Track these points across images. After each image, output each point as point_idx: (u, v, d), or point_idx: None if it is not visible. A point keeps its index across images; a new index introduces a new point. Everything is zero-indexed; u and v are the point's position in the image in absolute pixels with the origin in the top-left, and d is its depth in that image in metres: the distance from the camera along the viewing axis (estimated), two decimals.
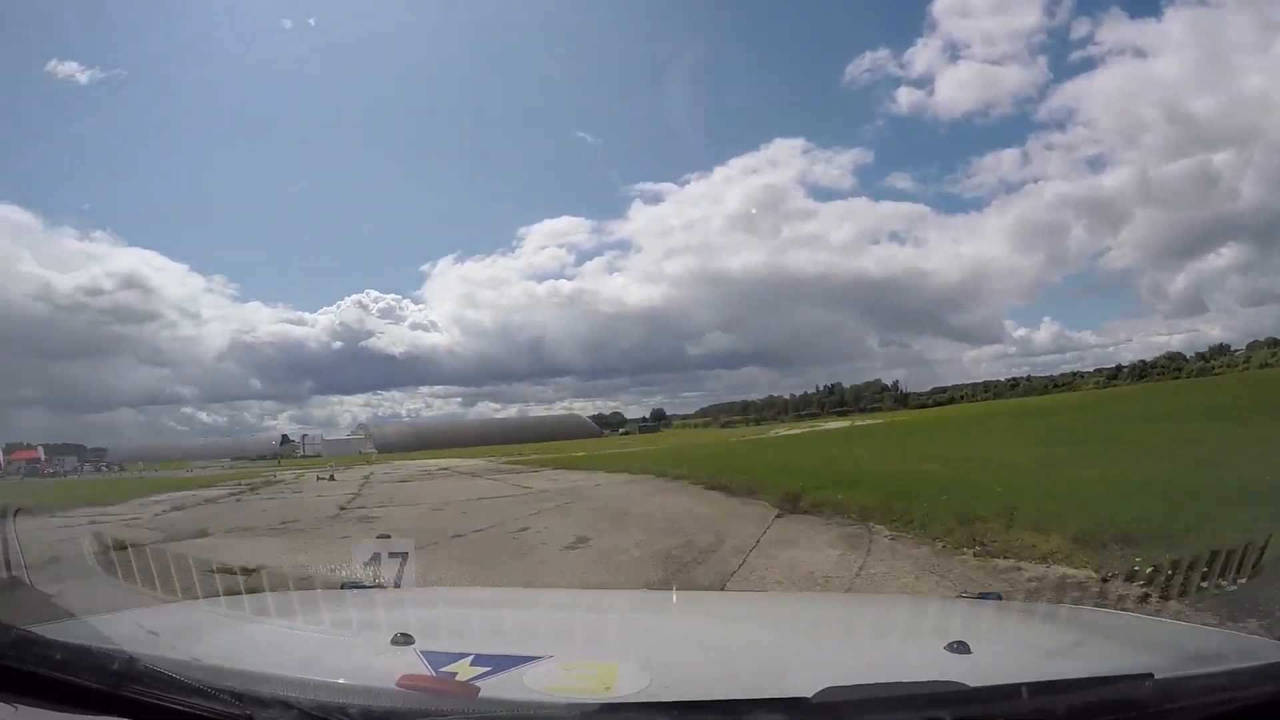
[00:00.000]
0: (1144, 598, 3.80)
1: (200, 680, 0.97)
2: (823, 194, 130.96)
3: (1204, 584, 3.34)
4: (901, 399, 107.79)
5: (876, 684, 0.91)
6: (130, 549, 5.48)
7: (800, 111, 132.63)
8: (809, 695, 0.88)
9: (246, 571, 5.00)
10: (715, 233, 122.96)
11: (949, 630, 1.40)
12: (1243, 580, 3.24)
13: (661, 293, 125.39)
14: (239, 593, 3.36)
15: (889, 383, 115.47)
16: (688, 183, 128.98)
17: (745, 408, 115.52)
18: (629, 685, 1.08)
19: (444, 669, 1.13)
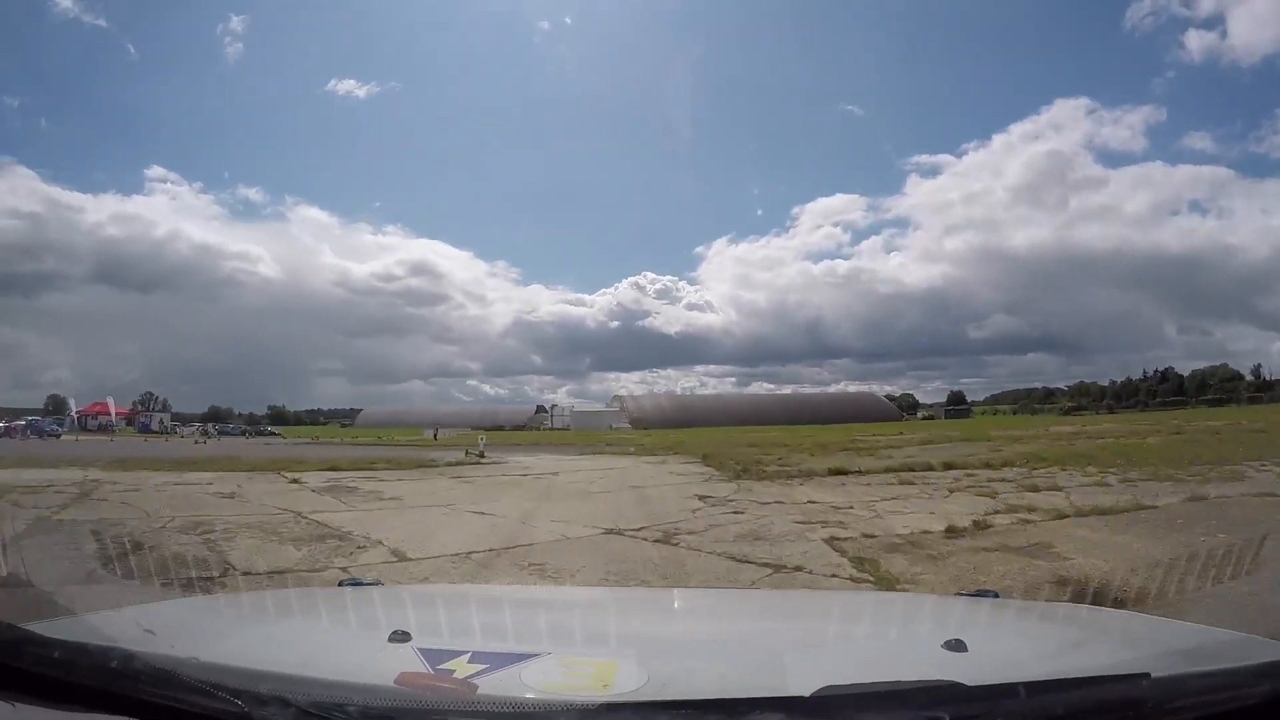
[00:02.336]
0: None
1: (198, 678, 0.97)
2: (1112, 159, 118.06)
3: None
4: (1265, 386, 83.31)
5: (874, 682, 0.91)
6: None
7: (1080, 66, 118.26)
8: (807, 694, 0.89)
9: None
10: (997, 206, 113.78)
11: (946, 628, 1.40)
12: None
13: (941, 272, 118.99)
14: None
15: (1241, 368, 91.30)
16: (965, 153, 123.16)
17: (1048, 395, 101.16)
18: (627, 683, 1.08)
19: (442, 666, 1.13)
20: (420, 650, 1.20)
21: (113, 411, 49.05)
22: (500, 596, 2.66)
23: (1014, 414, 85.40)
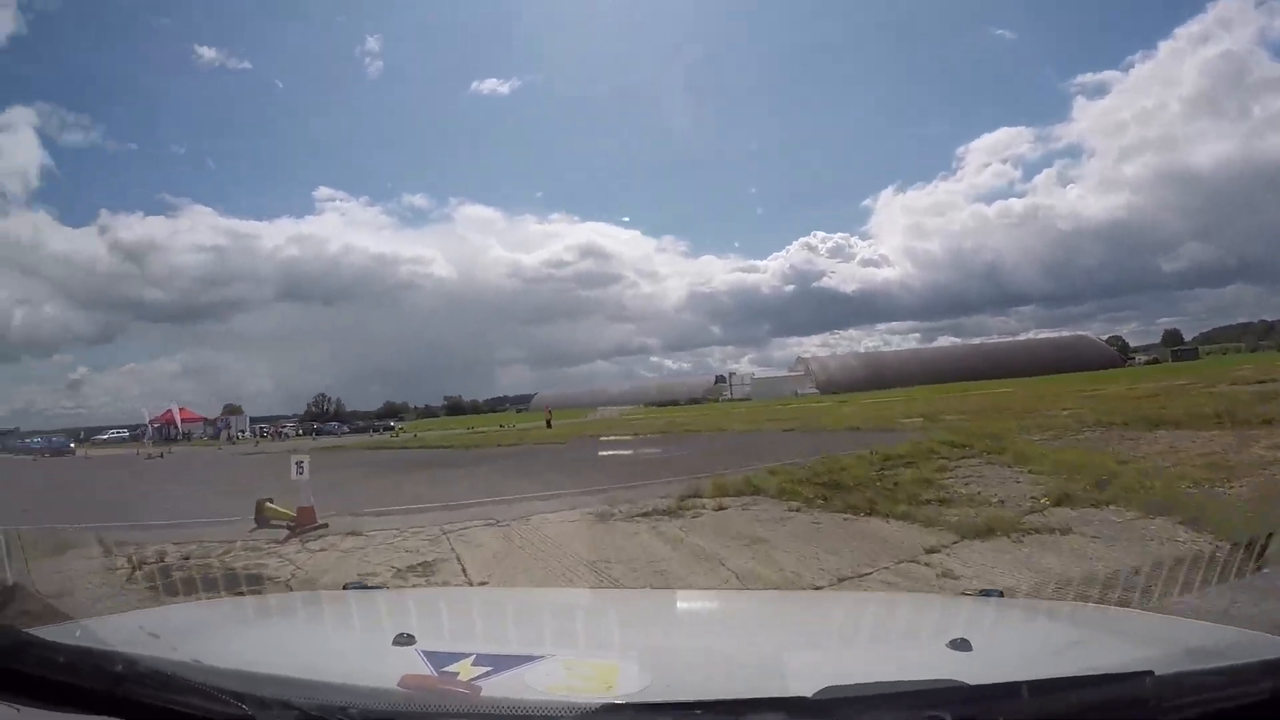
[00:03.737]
0: None
1: (201, 681, 0.97)
2: None
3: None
4: None
5: (877, 683, 0.91)
6: None
7: None
8: (810, 694, 0.88)
9: None
10: (1174, 121, 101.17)
11: (950, 628, 1.40)
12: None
13: (1124, 201, 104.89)
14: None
15: None
16: (1131, 66, 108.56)
17: (1268, 330, 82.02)
18: (630, 685, 1.08)
19: (446, 669, 1.13)
20: (424, 653, 1.20)
21: (178, 418, 46.81)
22: (503, 599, 2.66)
23: (1249, 352, 67.93)
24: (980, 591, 1.92)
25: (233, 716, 0.93)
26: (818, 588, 4.62)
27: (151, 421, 44.95)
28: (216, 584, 4.59)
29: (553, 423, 35.13)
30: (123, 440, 44.04)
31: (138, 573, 5.50)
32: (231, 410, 55.52)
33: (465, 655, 1.18)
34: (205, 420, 50.33)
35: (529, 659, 1.16)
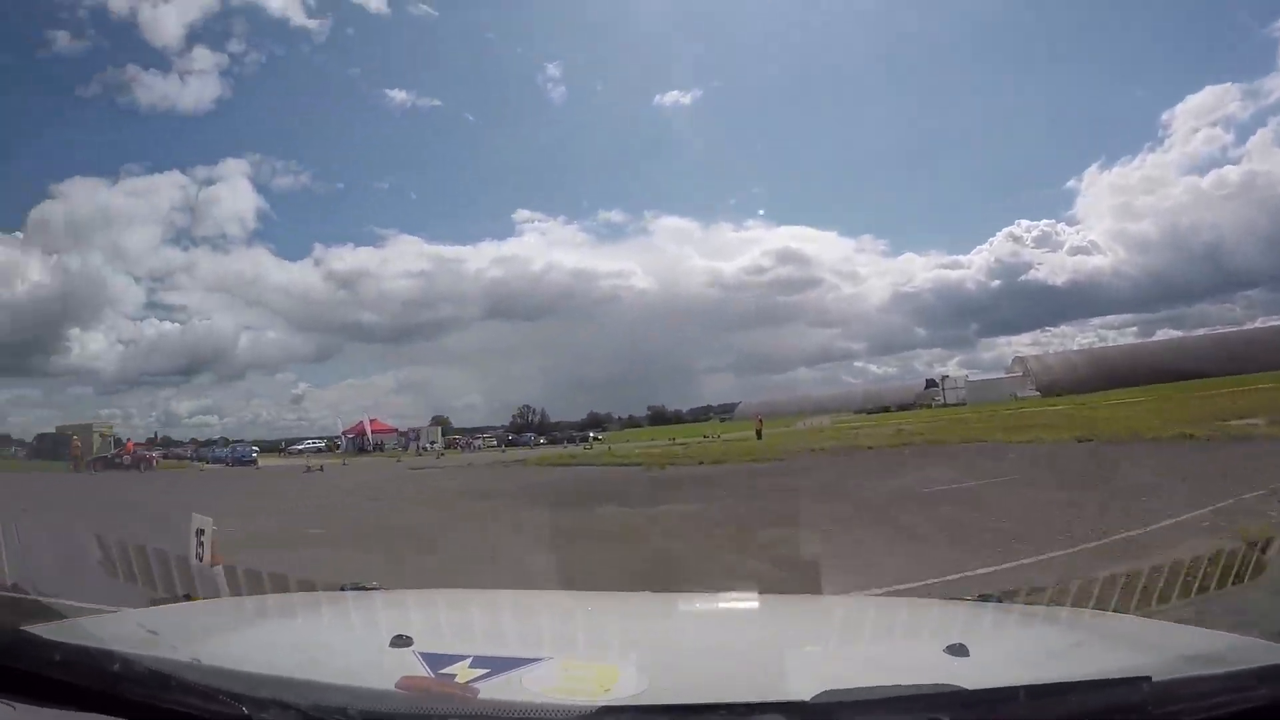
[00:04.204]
0: None
1: (199, 681, 0.97)
2: None
3: None
4: None
5: (875, 687, 0.91)
6: None
7: None
8: (808, 698, 0.89)
9: None
10: None
11: (948, 633, 1.40)
12: None
13: None
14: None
15: None
16: None
17: None
18: (628, 688, 1.08)
19: (443, 671, 1.13)
20: (422, 654, 1.20)
21: (368, 430, 47.69)
22: (501, 601, 2.66)
23: None
24: (978, 596, 1.91)
25: (230, 716, 0.93)
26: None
27: (345, 433, 46.60)
28: None
29: (763, 432, 30.98)
30: (319, 451, 44.75)
31: None
32: (439, 421, 55.73)
33: (463, 657, 1.18)
34: (396, 431, 50.56)
35: (527, 661, 1.16)
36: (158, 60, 67.85)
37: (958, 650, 1.21)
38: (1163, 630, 1.61)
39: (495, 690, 1.03)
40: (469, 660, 1.16)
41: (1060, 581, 4.42)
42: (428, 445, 47.56)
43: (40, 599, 4.71)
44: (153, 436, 51.76)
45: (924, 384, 73.63)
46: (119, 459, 29.61)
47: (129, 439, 35.65)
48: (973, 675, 1.03)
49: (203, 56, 54.74)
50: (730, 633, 1.74)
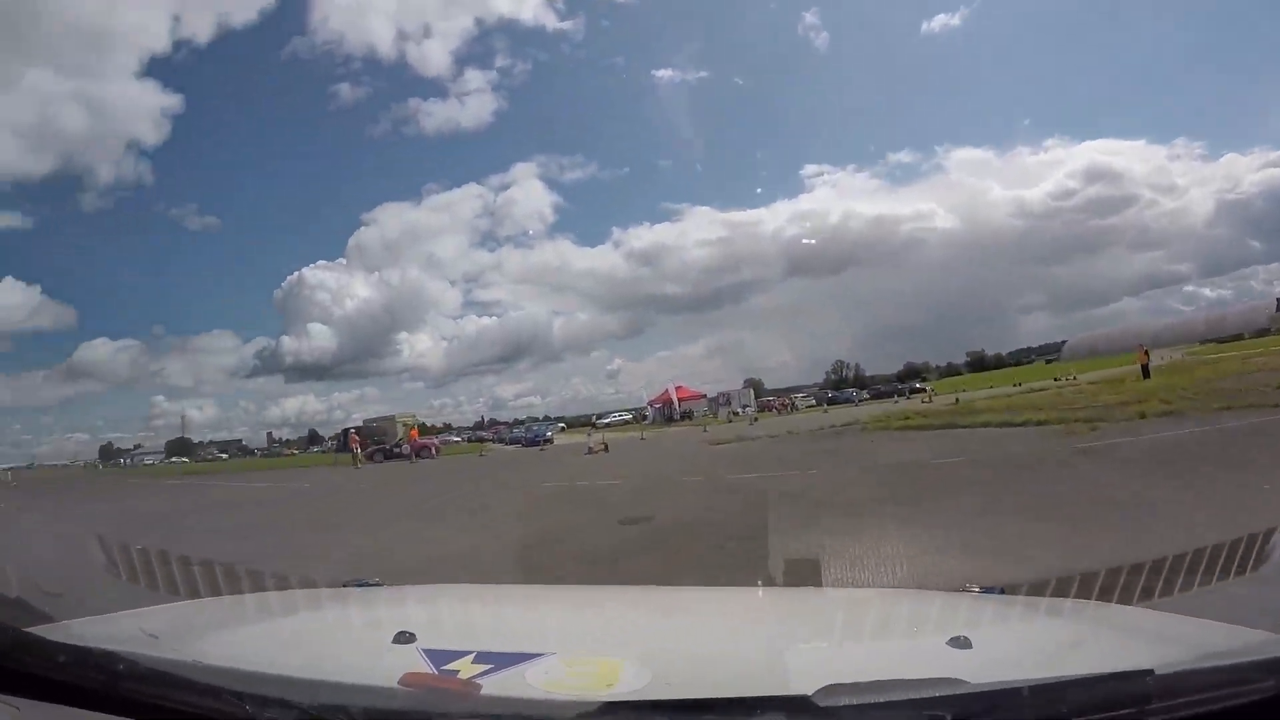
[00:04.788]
0: None
1: (201, 679, 0.97)
2: None
3: None
4: None
5: (878, 681, 0.91)
6: None
7: None
8: (811, 693, 0.88)
9: None
10: None
11: (952, 626, 1.40)
12: None
13: None
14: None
15: None
16: None
17: None
18: (631, 683, 1.08)
19: (446, 667, 1.13)
20: (425, 651, 1.20)
21: (674, 397, 45.54)
22: (504, 596, 2.66)
23: None
24: (981, 589, 1.91)
25: (233, 715, 0.93)
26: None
27: (651, 403, 46.47)
28: None
29: (1149, 369, 23.28)
30: (624, 423, 44.14)
31: None
32: (751, 383, 54.18)
33: (466, 653, 1.18)
34: (704, 397, 48.96)
35: (530, 657, 1.16)
36: (434, 89, 74.85)
37: (961, 643, 1.21)
38: (1167, 622, 1.60)
39: (498, 686, 1.03)
40: (472, 656, 1.16)
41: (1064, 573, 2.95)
42: (739, 409, 43.76)
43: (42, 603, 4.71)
44: (479, 420, 58.48)
45: (1276, 304, 61.87)
46: (396, 448, 28.75)
47: (415, 426, 34.58)
48: (976, 668, 1.03)
49: (474, 77, 62.10)
50: (732, 627, 1.74)
